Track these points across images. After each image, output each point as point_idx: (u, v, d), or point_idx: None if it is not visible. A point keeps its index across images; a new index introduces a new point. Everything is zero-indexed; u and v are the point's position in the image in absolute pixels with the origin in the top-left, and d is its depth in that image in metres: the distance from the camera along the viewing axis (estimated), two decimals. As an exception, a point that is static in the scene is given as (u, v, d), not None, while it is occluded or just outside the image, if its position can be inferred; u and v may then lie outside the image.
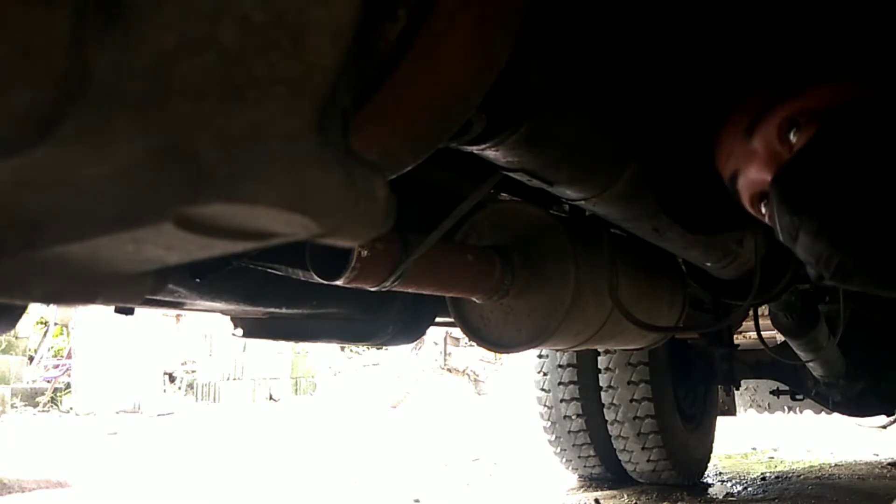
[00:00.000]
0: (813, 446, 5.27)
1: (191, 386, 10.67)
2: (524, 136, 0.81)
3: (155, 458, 5.64)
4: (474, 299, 1.24)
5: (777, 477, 4.11)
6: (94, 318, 9.18)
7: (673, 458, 3.37)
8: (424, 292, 1.14)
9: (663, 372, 3.37)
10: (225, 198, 0.23)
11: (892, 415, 4.95)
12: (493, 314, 1.29)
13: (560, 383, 3.48)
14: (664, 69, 0.93)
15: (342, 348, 12.40)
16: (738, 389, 3.98)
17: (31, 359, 10.48)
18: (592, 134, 0.94)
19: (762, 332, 2.31)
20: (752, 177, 0.83)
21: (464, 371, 12.06)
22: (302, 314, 1.41)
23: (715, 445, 4.01)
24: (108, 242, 0.25)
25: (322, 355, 12.46)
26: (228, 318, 1.53)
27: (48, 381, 9.89)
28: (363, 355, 13.26)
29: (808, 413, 5.58)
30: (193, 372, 10.83)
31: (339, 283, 0.96)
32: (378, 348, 11.21)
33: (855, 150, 0.68)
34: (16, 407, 9.12)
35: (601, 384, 3.38)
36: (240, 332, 1.54)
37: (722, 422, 4.17)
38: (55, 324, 10.78)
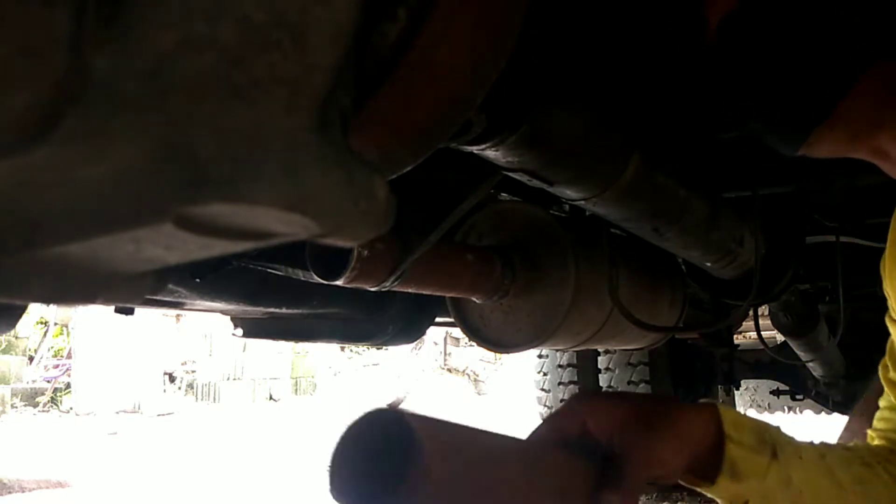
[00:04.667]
0: (813, 446, 5.25)
1: (191, 386, 10.67)
2: (524, 136, 0.81)
3: (155, 459, 5.64)
4: (474, 299, 1.24)
5: (777, 477, 4.10)
6: (94, 318, 9.18)
7: (673, 458, 3.37)
8: (424, 292, 1.14)
9: (663, 372, 3.37)
10: (225, 198, 0.23)
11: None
12: (493, 314, 1.29)
13: (560, 383, 3.49)
14: None
15: (342, 348, 12.39)
16: (738, 389, 3.98)
17: (31, 359, 10.49)
18: (593, 133, 0.94)
19: (762, 332, 2.31)
20: None
21: (464, 371, 12.05)
22: (302, 314, 1.41)
23: (715, 445, 4.00)
24: (108, 242, 0.25)
25: (322, 355, 12.46)
26: (228, 318, 1.53)
27: (48, 381, 9.89)
28: (363, 355, 13.26)
29: (808, 413, 5.57)
30: (193, 372, 10.83)
31: (339, 283, 0.96)
32: (378, 348, 11.20)
33: (751, 34, 0.69)
34: (16, 407, 9.12)
35: (601, 384, 3.38)
36: (240, 332, 1.54)
37: (722, 422, 4.15)
38: (55, 324, 10.77)
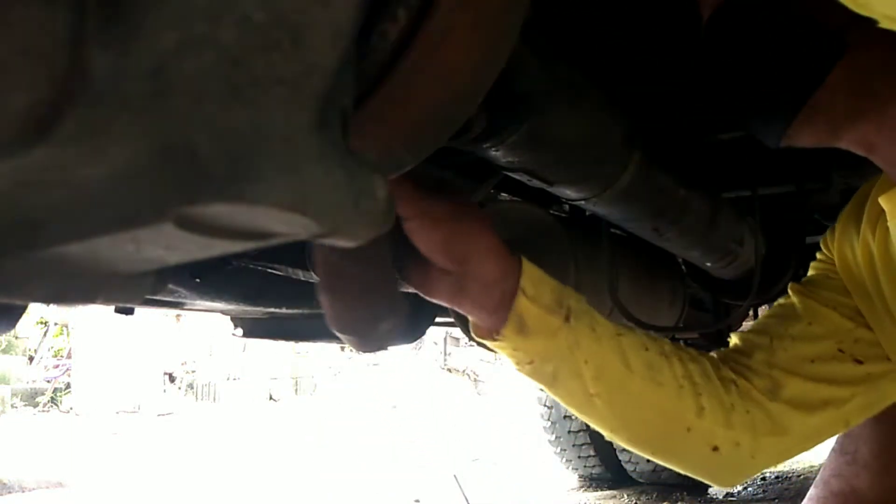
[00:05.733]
0: (813, 446, 5.25)
1: (191, 386, 10.66)
2: (524, 136, 0.81)
3: (155, 459, 5.64)
4: (474, 299, 1.23)
5: (777, 477, 4.11)
6: (94, 318, 9.17)
7: (673, 457, 3.37)
8: (424, 292, 1.13)
9: (663, 372, 3.36)
10: (225, 198, 0.23)
11: (892, 415, 4.93)
12: (493, 314, 1.29)
13: (560, 383, 3.48)
14: None
15: (342, 348, 12.38)
16: (738, 389, 3.97)
17: (31, 359, 10.48)
18: (593, 133, 0.94)
19: (762, 332, 2.30)
20: None
21: (464, 371, 12.05)
22: (302, 314, 1.41)
23: (715, 445, 4.00)
24: (108, 242, 0.25)
25: (322, 355, 12.45)
26: (228, 318, 1.53)
27: (48, 381, 9.88)
28: (363, 355, 13.24)
29: (808, 413, 5.56)
30: (193, 372, 10.83)
31: (339, 283, 0.96)
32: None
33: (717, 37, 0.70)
34: (16, 407, 9.11)
35: (601, 384, 3.38)
36: (240, 332, 1.54)
37: (722, 422, 4.16)
38: (55, 324, 10.77)
